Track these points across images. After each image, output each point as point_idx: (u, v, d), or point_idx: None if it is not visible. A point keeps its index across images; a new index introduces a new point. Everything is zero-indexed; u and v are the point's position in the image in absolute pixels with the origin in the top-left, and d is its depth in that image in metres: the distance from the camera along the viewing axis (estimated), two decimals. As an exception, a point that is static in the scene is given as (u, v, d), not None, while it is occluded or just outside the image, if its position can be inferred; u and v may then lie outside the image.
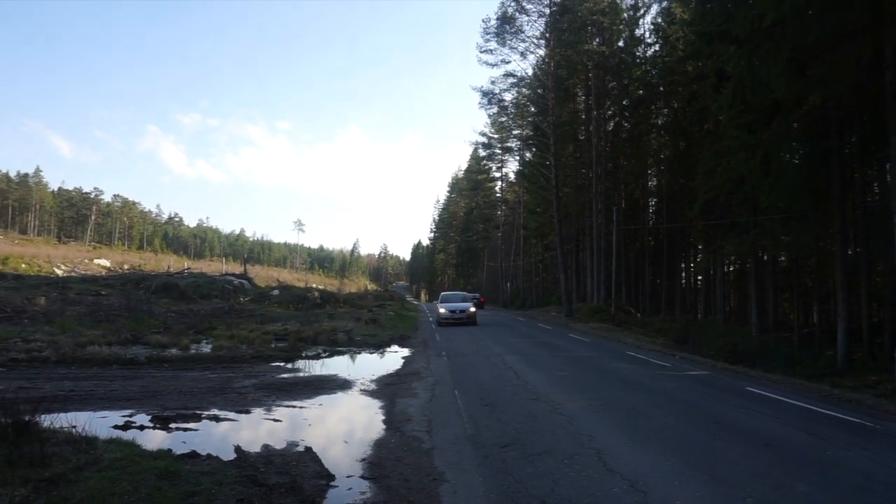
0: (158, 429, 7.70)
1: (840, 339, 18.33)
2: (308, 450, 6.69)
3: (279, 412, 8.96)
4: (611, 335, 26.30)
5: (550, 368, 14.27)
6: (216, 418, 8.38)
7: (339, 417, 9.11)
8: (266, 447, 6.81)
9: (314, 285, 67.27)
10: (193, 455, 6.08)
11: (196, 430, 7.75)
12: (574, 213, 44.79)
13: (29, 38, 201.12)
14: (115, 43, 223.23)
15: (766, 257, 28.32)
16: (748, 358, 19.62)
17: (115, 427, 7.62)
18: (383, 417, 8.69)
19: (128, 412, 8.51)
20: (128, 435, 7.11)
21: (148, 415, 8.35)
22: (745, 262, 32.96)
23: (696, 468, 6.19)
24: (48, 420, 6.66)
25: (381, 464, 6.29)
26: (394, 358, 16.74)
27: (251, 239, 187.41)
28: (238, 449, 6.58)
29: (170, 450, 6.24)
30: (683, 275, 41.77)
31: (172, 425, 7.86)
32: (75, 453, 5.35)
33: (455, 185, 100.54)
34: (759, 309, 26.82)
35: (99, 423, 7.81)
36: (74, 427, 6.84)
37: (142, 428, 7.66)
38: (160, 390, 10.20)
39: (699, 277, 42.95)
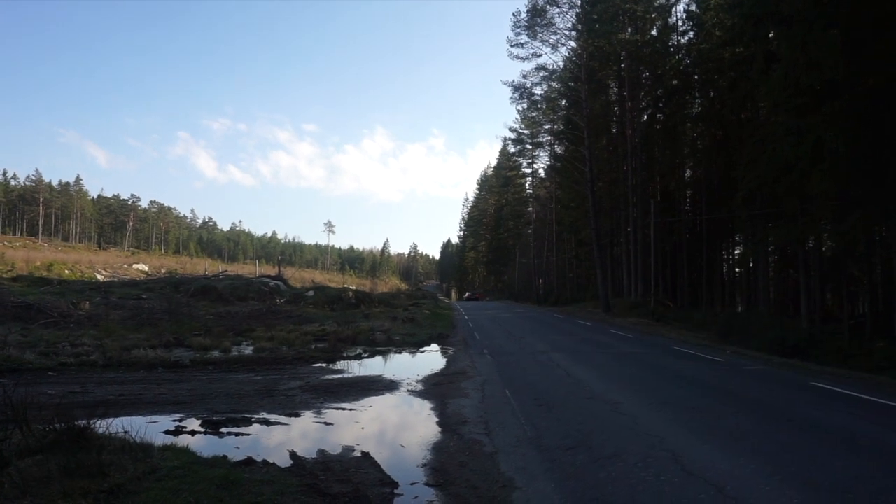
0: (210, 434, 7.52)
1: (900, 330, 17.43)
2: (366, 455, 6.41)
3: (329, 415, 8.72)
4: (652, 330, 25.64)
5: (600, 366, 13.80)
6: (266, 422, 8.17)
7: (392, 420, 8.83)
8: (322, 452, 6.56)
9: (348, 285, 67.54)
10: (249, 462, 5.86)
11: (248, 434, 7.55)
12: (608, 206, 43.93)
13: (62, 48, 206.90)
14: (141, 51, 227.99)
15: (809, 245, 27.24)
16: (800, 351, 18.81)
17: (167, 432, 7.46)
18: (437, 419, 8.39)
19: (178, 416, 8.37)
20: (181, 441, 6.95)
21: (198, 419, 8.20)
22: (785, 251, 31.79)
23: (785, 471, 5.71)
24: (102, 426, 6.49)
25: (445, 469, 5.97)
26: (436, 357, 16.46)
27: (283, 241, 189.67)
28: (294, 455, 6.35)
29: (225, 456, 6.02)
30: (725, 267, 40.57)
31: (223, 430, 7.68)
32: (132, 462, 5.16)
33: (484, 183, 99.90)
34: (809, 299, 25.78)
35: (150, 428, 7.67)
36: (126, 432, 6.69)
37: (193, 433, 7.49)
38: (208, 393, 10.08)
39: (737, 269, 41.74)
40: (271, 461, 5.99)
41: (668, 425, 7.69)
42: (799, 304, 27.06)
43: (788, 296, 34.75)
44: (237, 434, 7.52)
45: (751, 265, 37.36)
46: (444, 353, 17.40)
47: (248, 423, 8.10)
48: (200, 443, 7.03)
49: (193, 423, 7.97)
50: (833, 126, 18.13)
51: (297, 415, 8.68)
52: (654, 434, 7.15)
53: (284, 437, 7.51)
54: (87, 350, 14.48)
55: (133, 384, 10.89)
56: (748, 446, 6.64)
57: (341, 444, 7.03)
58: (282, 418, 8.41)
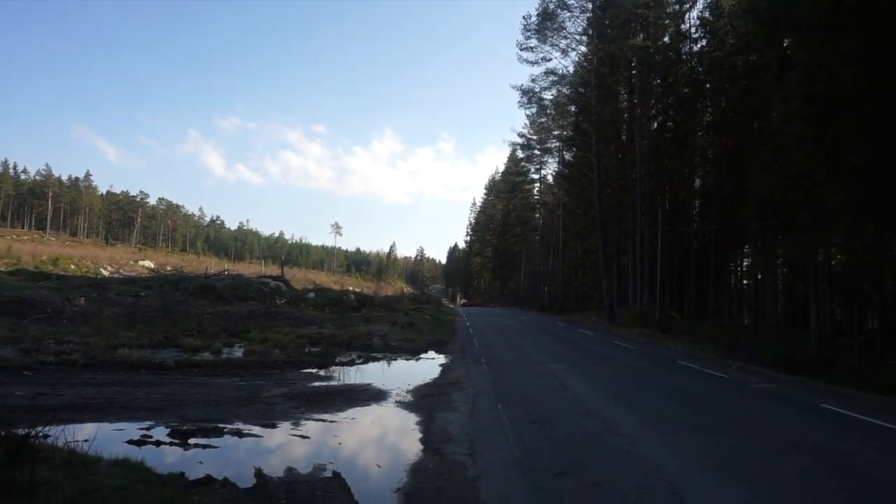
0: (176, 444, 7.04)
1: (912, 348, 16.75)
2: (336, 475, 5.91)
3: (307, 427, 8.23)
4: (657, 341, 25.04)
5: (600, 379, 13.26)
6: (239, 433, 7.69)
7: (372, 435, 8.33)
8: (290, 471, 6.06)
9: (350, 288, 67.20)
10: (208, 481, 5.38)
11: (216, 447, 7.06)
12: (616, 214, 43.29)
13: (74, 45, 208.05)
14: (153, 49, 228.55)
15: (819, 259, 26.58)
16: (809, 368, 18.16)
17: (130, 442, 7.00)
18: (420, 436, 7.86)
19: (147, 424, 7.90)
20: (141, 453, 6.46)
21: (167, 427, 7.72)
22: (795, 264, 31.07)
23: (794, 511, 5.18)
24: (58, 433, 6.01)
25: (419, 495, 5.46)
26: (431, 365, 15.94)
27: (290, 241, 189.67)
28: (259, 473, 5.84)
29: (182, 473, 5.54)
30: (732, 278, 39.86)
31: (192, 441, 7.20)
32: (70, 479, 4.68)
33: (492, 188, 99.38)
34: (818, 314, 25.07)
35: (114, 436, 7.24)
36: (86, 441, 6.25)
37: (158, 444, 7.02)
38: (184, 399, 9.61)
39: (745, 281, 40.99)
40: (232, 480, 5.51)
41: (667, 449, 7.14)
42: (807, 317, 26.37)
43: (797, 309, 33.99)
44: (205, 446, 7.03)
45: (759, 277, 36.67)
46: (439, 361, 16.88)
47: (220, 433, 7.61)
48: (162, 456, 6.55)
49: (161, 433, 7.49)
50: (849, 137, 17.53)
51: (274, 426, 8.19)
52: (652, 459, 6.60)
53: (254, 451, 7.03)
54: (70, 348, 14.07)
55: (109, 386, 10.43)
56: (753, 477, 6.09)
57: (314, 461, 6.53)
58: (256, 429, 7.92)
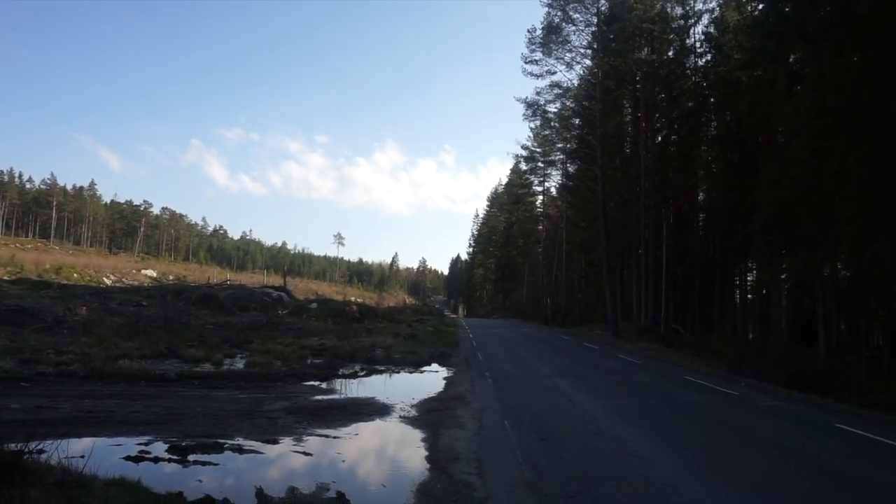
0: (175, 461, 6.83)
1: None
2: (340, 496, 5.70)
3: (310, 443, 8.02)
4: (662, 356, 24.73)
5: (607, 395, 13.00)
6: (240, 449, 7.48)
7: (377, 452, 8.11)
8: (292, 491, 5.85)
9: (353, 299, 66.94)
10: (207, 501, 5.18)
11: (216, 464, 6.85)
12: (620, 227, 43.10)
13: (79, 54, 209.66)
14: (157, 59, 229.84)
15: (825, 273, 26.34)
16: (818, 385, 17.86)
17: (128, 458, 6.78)
18: (426, 454, 7.64)
19: (145, 439, 7.69)
20: (138, 470, 6.24)
21: (166, 443, 7.51)
22: (800, 279, 30.80)
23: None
24: (53, 448, 5.81)
25: (427, 519, 5.25)
26: (435, 378, 15.70)
27: (292, 252, 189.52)
28: (260, 493, 5.64)
29: (181, 493, 5.34)
30: (738, 293, 39.55)
31: (191, 457, 6.99)
32: (63, 502, 4.48)
33: (495, 200, 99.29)
34: (826, 329, 24.77)
35: (111, 452, 7.05)
36: (82, 457, 6.04)
37: (156, 460, 6.81)
38: (184, 413, 9.40)
39: (748, 296, 40.68)
40: (232, 501, 5.31)
41: (683, 471, 6.92)
42: (812, 332, 26.08)
43: (802, 324, 33.65)
44: (204, 463, 6.81)
45: (764, 292, 36.38)
46: (443, 374, 16.64)
47: (220, 449, 7.40)
48: (160, 473, 6.34)
49: (160, 448, 7.27)
50: (857, 150, 17.40)
51: (276, 442, 7.97)
52: (668, 482, 6.37)
53: (255, 469, 6.81)
54: (70, 359, 13.86)
55: (108, 398, 10.22)
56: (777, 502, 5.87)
57: (317, 480, 6.32)
58: (257, 445, 7.70)
